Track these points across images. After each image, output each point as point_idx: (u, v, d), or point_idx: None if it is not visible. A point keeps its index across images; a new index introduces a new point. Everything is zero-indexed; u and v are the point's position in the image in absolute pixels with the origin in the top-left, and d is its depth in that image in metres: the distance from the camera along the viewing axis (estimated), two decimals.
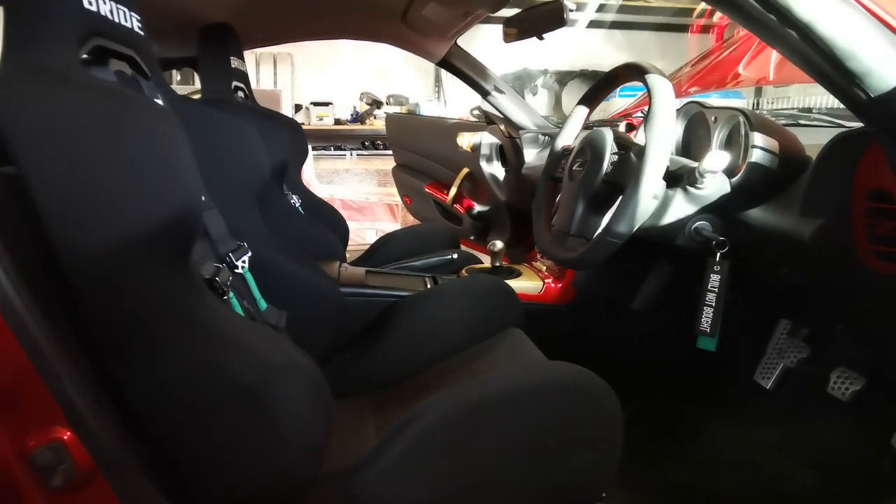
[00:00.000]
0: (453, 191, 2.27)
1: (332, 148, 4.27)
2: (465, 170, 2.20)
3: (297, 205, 1.37)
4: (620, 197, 0.83)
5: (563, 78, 4.96)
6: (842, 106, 1.21)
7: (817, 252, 0.75)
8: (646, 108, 1.89)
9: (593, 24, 4.66)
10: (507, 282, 1.23)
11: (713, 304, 0.87)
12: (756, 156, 0.84)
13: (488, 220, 2.27)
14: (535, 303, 1.28)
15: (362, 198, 3.79)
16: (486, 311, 1.06)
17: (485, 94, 1.84)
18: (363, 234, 3.82)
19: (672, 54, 4.93)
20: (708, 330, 0.88)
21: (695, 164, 0.83)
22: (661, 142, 0.79)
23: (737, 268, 0.86)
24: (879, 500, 0.90)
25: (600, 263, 0.84)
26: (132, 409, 0.50)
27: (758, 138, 0.84)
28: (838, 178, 0.72)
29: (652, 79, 0.83)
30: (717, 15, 4.41)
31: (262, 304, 0.84)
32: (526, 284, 1.28)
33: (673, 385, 1.28)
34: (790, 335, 1.11)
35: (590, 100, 1.05)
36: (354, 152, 4.29)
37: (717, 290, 0.87)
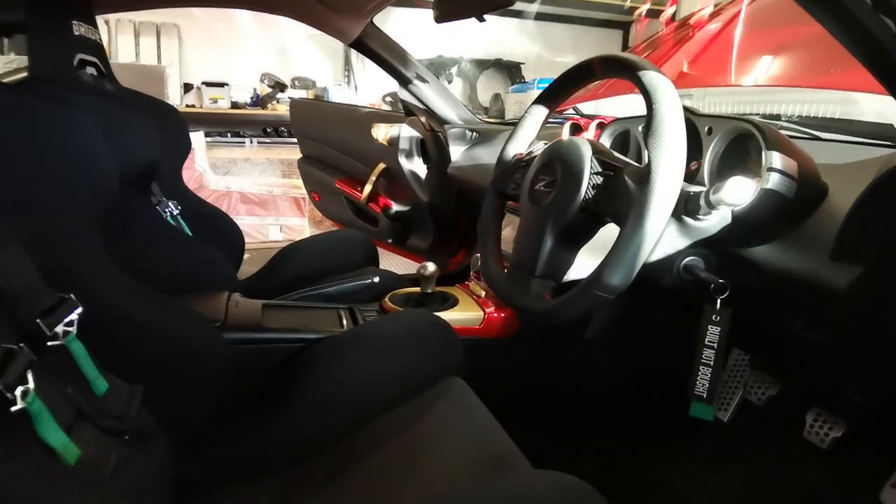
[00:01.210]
0: (368, 188, 2.04)
1: (228, 134, 3.83)
2: (382, 165, 1.98)
3: (176, 214, 1.08)
4: (617, 232, 0.63)
5: (479, 66, 4.82)
6: (813, 114, 1.13)
7: (854, 306, 0.60)
8: (582, 105, 1.76)
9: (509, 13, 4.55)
10: (443, 314, 1.02)
11: (711, 363, 0.70)
12: (773, 181, 0.66)
13: (408, 221, 2.06)
14: (475, 337, 1.07)
15: (264, 190, 3.42)
16: (420, 358, 0.85)
17: (406, 82, 1.62)
18: (266, 230, 3.46)
19: (583, 48, 4.95)
20: (704, 395, 0.71)
21: (698, 189, 0.65)
22: (673, 166, 0.59)
23: (735, 317, 0.70)
24: None
25: (579, 318, 0.66)
26: None
27: (776, 159, 0.66)
28: (887, 216, 0.58)
29: (650, 78, 0.62)
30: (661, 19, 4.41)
31: (101, 386, 0.57)
32: (464, 316, 1.08)
33: (627, 422, 1.15)
34: (754, 368, 1.00)
35: (549, 99, 0.85)
36: (255, 139, 3.87)
37: (715, 345, 0.70)
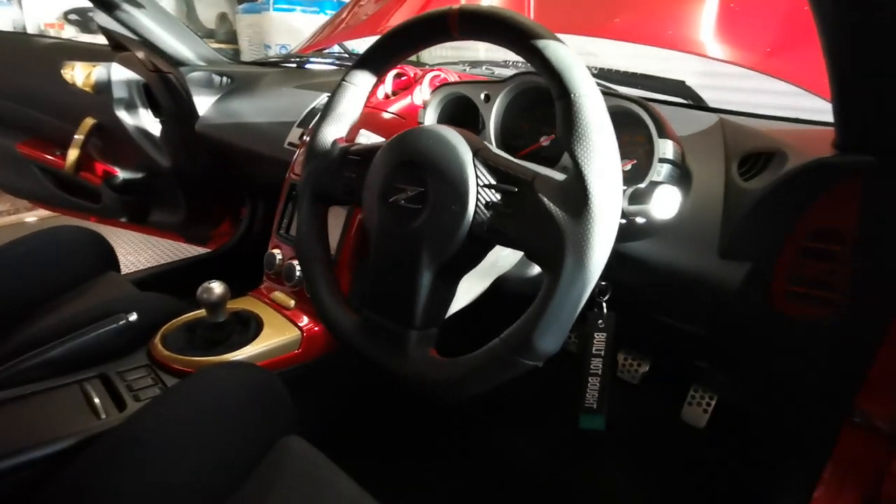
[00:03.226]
0: (74, 152, 1.50)
1: None
2: (90, 120, 1.46)
3: None
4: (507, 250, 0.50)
5: None
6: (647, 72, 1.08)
7: (741, 301, 0.59)
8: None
9: None
10: (250, 350, 0.74)
11: (599, 373, 0.68)
12: (665, 173, 0.59)
13: (145, 191, 1.59)
14: (298, 365, 0.79)
15: None
16: (239, 435, 0.58)
17: (108, 7, 1.14)
18: None
19: None
20: (595, 406, 0.69)
21: None
22: (615, 181, 0.44)
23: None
24: (679, 472, 0.97)
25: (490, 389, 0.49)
26: None
27: (670, 149, 0.59)
28: (787, 214, 0.56)
29: (555, 53, 0.46)
30: None
31: None
32: (277, 343, 0.77)
33: (499, 421, 1.14)
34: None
35: (377, 64, 0.60)
36: None
37: (602, 353, 0.68)
